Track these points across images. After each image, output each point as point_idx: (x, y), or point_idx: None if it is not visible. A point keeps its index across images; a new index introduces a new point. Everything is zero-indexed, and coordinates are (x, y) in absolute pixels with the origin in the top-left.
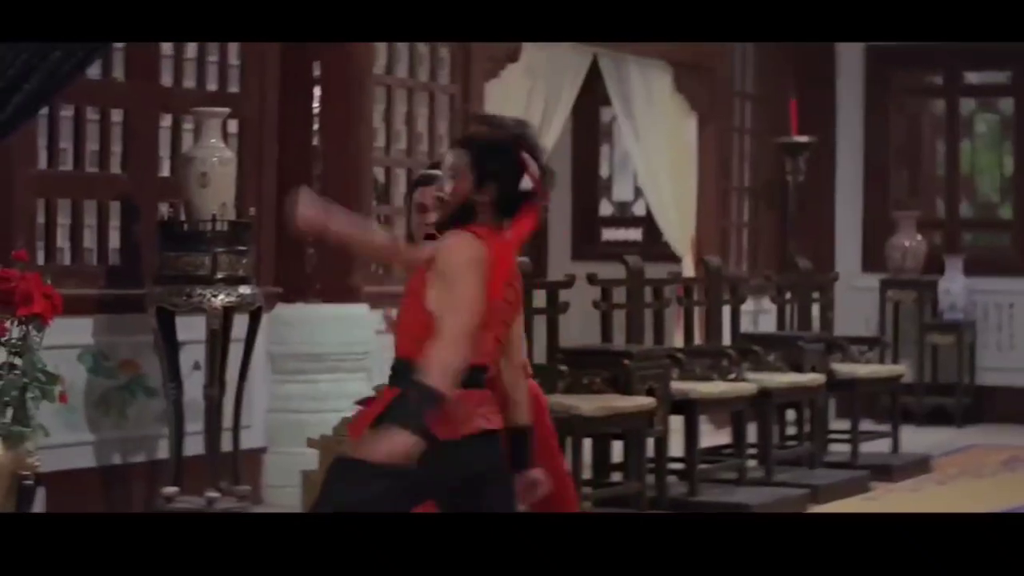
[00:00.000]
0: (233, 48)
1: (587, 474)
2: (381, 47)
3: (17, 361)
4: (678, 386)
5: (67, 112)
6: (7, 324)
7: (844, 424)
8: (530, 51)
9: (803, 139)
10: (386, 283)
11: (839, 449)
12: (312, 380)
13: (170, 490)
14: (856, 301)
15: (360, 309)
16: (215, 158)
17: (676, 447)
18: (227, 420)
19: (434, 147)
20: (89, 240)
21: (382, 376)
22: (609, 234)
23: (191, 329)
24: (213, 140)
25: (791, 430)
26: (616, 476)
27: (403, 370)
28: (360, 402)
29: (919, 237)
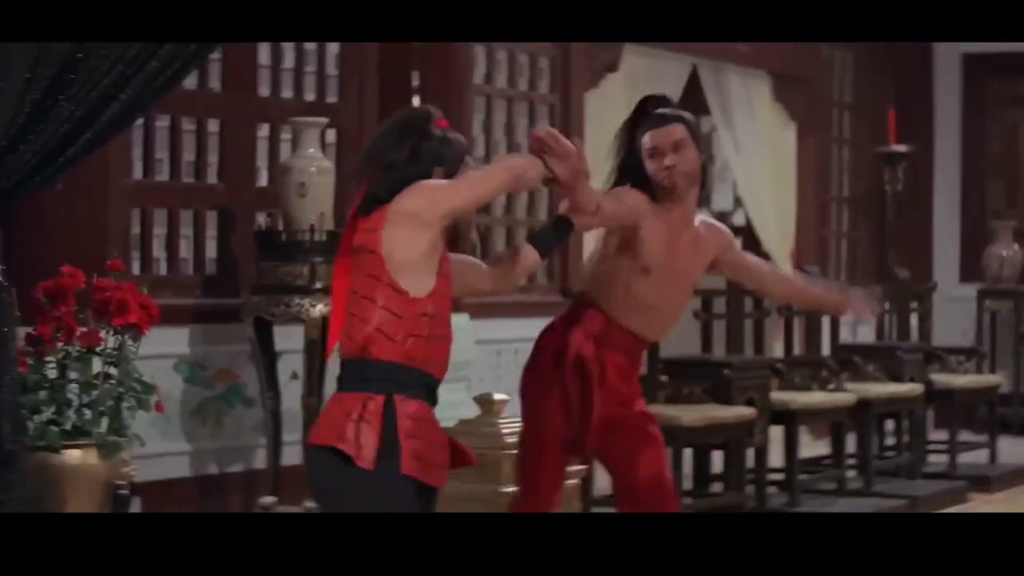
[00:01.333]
0: (331, 58)
1: (687, 485)
2: (480, 56)
3: (112, 371)
4: (778, 396)
5: (163, 122)
6: (102, 334)
7: (942, 435)
8: (630, 61)
9: (901, 149)
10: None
11: (937, 460)
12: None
13: (267, 500)
14: (954, 311)
15: (460, 319)
16: (313, 168)
17: (775, 458)
18: None
19: None
20: (185, 250)
21: (482, 386)
22: None
23: (289, 339)
24: (311, 150)
25: (890, 440)
26: (716, 487)
27: (359, 369)
28: None
29: (1016, 247)
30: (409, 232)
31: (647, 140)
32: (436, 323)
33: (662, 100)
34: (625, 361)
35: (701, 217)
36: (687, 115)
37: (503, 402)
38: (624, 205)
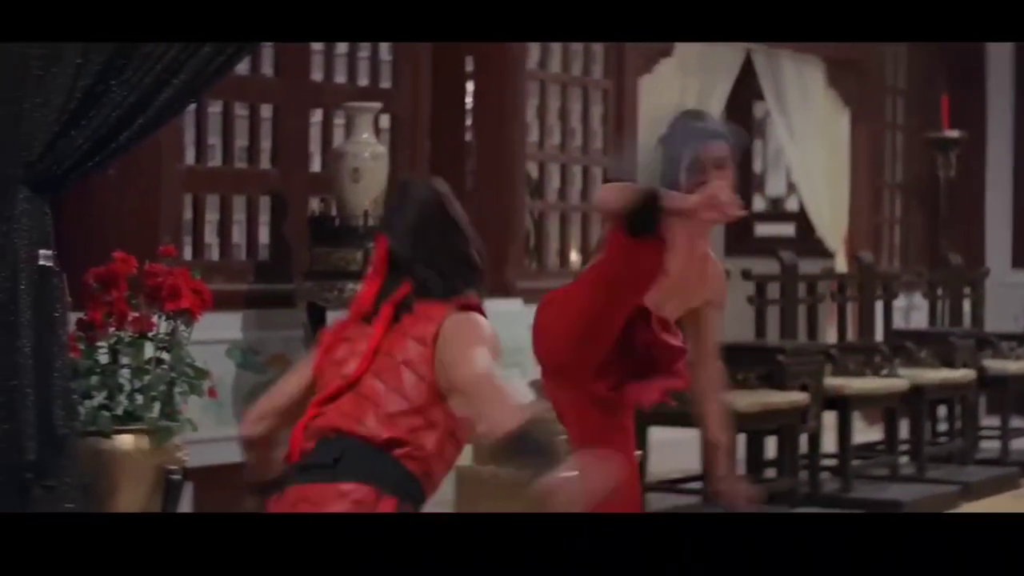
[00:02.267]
0: (385, 43)
1: (741, 470)
2: (534, 42)
3: (165, 356)
4: (831, 382)
5: (216, 108)
6: (154, 319)
7: (994, 421)
8: (684, 46)
9: (954, 134)
10: (541, 278)
11: (989, 446)
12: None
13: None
14: (1007, 297)
15: (515, 304)
16: (367, 153)
17: (828, 443)
18: None
19: (588, 142)
20: (238, 235)
21: (534, 372)
22: (762, 229)
23: None
24: (365, 135)
25: (942, 426)
26: (770, 472)
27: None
28: None
29: None
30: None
31: (691, 155)
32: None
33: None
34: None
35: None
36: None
37: None
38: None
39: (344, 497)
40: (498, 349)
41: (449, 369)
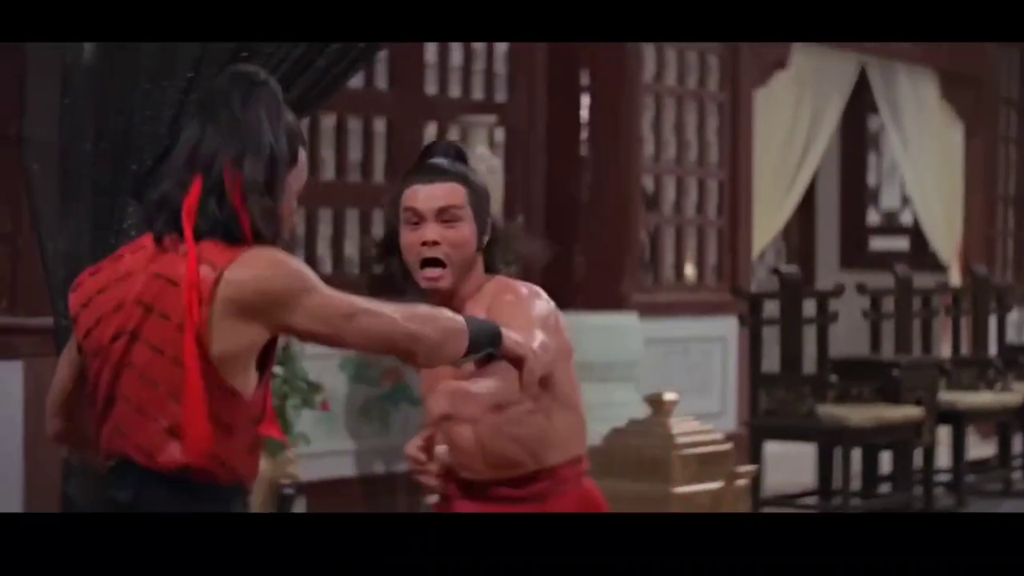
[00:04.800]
0: (500, 56)
1: (856, 484)
2: (650, 54)
3: (278, 370)
4: (945, 396)
5: (329, 121)
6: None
7: None
8: (799, 58)
9: None
10: (656, 292)
11: None
12: (603, 388)
13: (434, 500)
14: None
15: (629, 318)
16: (483, 167)
17: (942, 458)
18: None
19: (704, 155)
20: (350, 249)
21: (648, 387)
22: (877, 243)
23: None
24: (480, 149)
25: None
26: (884, 487)
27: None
28: None
29: None
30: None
31: (406, 197)
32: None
33: (447, 148)
34: None
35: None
36: (470, 173)
37: (673, 402)
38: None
39: None
40: None
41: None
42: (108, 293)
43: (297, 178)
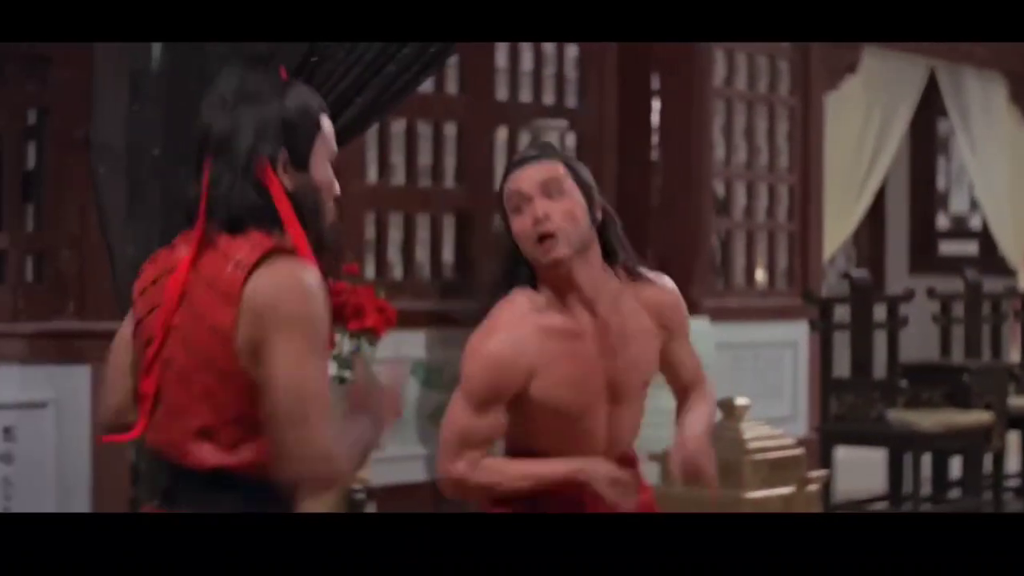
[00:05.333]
0: (570, 61)
1: (926, 490)
2: (720, 58)
3: (347, 374)
4: (1015, 401)
5: (399, 126)
6: (337, 338)
7: None
8: (868, 62)
9: None
10: (727, 297)
11: None
12: (652, 395)
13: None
14: None
15: (700, 323)
16: None
17: (1012, 463)
18: None
19: (774, 160)
20: (421, 254)
21: (718, 392)
22: (946, 247)
23: None
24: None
25: None
26: (954, 493)
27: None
28: None
29: None
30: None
31: (505, 190)
32: None
33: (535, 144)
34: None
35: (636, 273)
36: (567, 155)
37: (745, 407)
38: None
39: None
40: None
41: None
42: (159, 284)
43: (325, 146)
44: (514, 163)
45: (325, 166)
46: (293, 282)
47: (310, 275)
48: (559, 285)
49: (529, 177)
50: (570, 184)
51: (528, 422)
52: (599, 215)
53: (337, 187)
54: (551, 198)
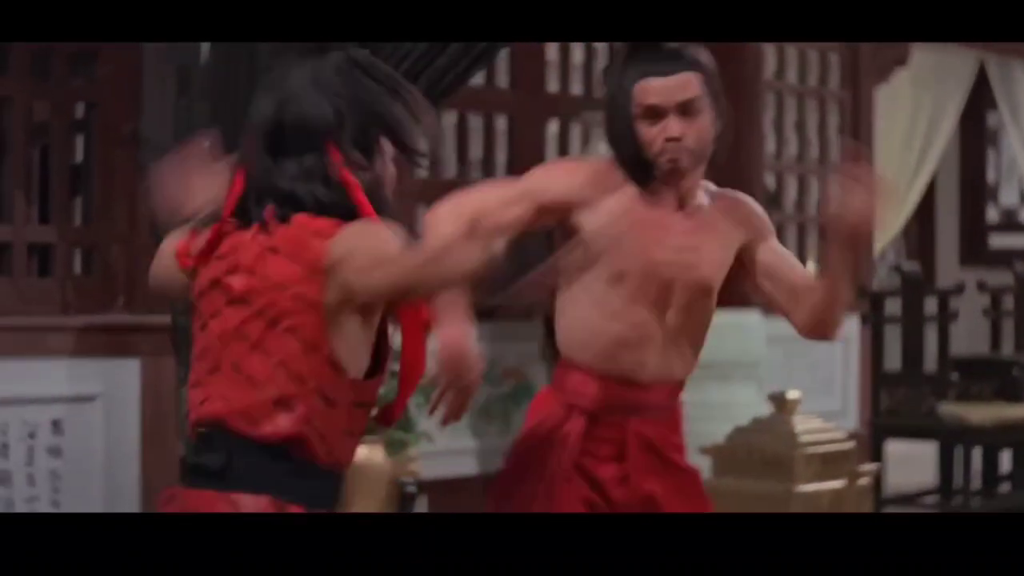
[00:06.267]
0: (620, 54)
1: (976, 484)
2: (770, 52)
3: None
4: None
5: (450, 119)
6: (390, 330)
7: None
8: (918, 55)
9: None
10: None
11: None
12: (703, 388)
13: None
14: None
15: (753, 316)
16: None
17: None
18: None
19: (825, 153)
20: None
21: (770, 385)
22: (996, 240)
23: None
24: (603, 147)
25: None
26: (1004, 487)
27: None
28: None
29: None
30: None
31: (639, 91)
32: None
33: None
34: (646, 426)
35: (712, 189)
36: (704, 59)
37: (796, 400)
38: (533, 199)
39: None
40: None
41: None
42: (225, 260)
43: (387, 141)
44: (646, 62)
45: (387, 160)
46: (362, 224)
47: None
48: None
49: (667, 90)
50: (705, 102)
51: (579, 293)
52: (721, 126)
53: (396, 181)
54: (686, 116)
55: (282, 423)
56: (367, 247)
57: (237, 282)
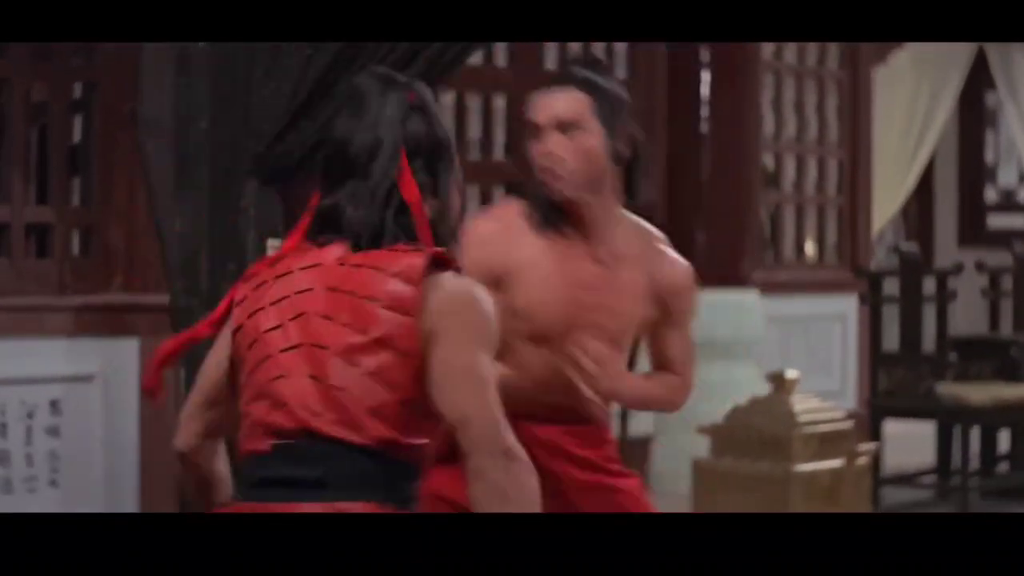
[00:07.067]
0: None
1: (975, 464)
2: None
3: None
4: None
5: (448, 98)
6: None
7: None
8: None
9: None
10: (776, 270)
11: None
12: (702, 367)
13: None
14: None
15: (750, 296)
16: None
17: None
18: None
19: (824, 133)
20: None
21: (768, 365)
22: (995, 220)
23: None
24: None
25: None
26: (1003, 467)
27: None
28: None
29: None
30: None
31: (527, 110)
32: None
33: (580, 58)
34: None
35: (660, 248)
36: (601, 82)
37: (795, 380)
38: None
39: None
40: None
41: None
42: (277, 283)
43: (457, 174)
44: (543, 85)
45: (456, 194)
46: (474, 295)
47: (475, 286)
48: (564, 210)
49: (547, 108)
50: (591, 119)
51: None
52: (626, 151)
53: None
54: (566, 133)
55: (381, 428)
56: (463, 345)
57: (313, 298)
